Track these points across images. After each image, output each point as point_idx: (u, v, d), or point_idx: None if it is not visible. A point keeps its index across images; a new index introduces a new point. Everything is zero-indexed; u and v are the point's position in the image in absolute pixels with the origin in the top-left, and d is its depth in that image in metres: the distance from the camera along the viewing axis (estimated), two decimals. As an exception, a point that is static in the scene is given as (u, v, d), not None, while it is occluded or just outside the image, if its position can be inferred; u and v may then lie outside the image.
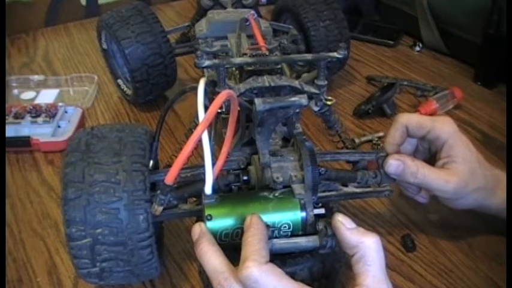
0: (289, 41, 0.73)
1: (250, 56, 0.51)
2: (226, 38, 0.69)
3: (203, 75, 0.58)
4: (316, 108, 0.52)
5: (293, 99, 0.46)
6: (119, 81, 0.80)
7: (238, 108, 0.45)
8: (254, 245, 0.37)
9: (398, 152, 0.51)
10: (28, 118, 0.73)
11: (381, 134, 0.72)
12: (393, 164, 0.49)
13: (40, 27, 1.06)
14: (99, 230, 0.41)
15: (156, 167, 0.49)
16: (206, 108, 0.40)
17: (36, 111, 0.73)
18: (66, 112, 0.75)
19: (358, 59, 0.92)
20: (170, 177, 0.40)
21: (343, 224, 0.39)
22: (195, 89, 0.43)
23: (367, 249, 0.37)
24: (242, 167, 0.48)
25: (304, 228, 0.42)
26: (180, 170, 0.40)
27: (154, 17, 0.73)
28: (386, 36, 0.97)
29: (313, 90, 0.50)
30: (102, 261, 0.42)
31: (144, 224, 0.42)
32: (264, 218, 0.40)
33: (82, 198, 0.41)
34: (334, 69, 0.79)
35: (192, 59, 0.51)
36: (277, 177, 0.44)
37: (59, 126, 0.73)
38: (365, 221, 0.59)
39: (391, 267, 0.53)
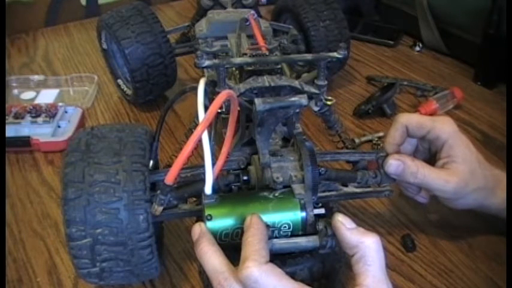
0: (289, 41, 0.73)
1: (250, 56, 0.51)
2: (226, 38, 0.69)
3: (203, 75, 0.58)
4: (316, 108, 0.52)
5: (293, 99, 0.46)
6: (119, 81, 0.80)
7: (238, 108, 0.45)
8: (254, 245, 0.37)
9: (398, 152, 0.51)
10: (28, 118, 0.73)
11: (381, 134, 0.72)
12: (393, 164, 0.49)
13: (40, 27, 1.06)
14: (99, 230, 0.41)
15: (156, 167, 0.49)
16: (206, 108, 0.40)
17: (36, 111, 0.74)
18: (66, 112, 0.75)
19: (358, 59, 0.92)
20: (170, 177, 0.40)
21: (343, 224, 0.39)
22: (195, 89, 0.43)
23: (367, 249, 0.37)
24: (242, 167, 0.48)
25: (304, 228, 0.42)
26: (180, 170, 0.40)
27: (154, 17, 0.73)
28: (386, 36, 0.97)
29: (313, 90, 0.50)
30: (102, 261, 0.42)
31: (144, 224, 0.42)
32: (264, 218, 0.40)
33: (82, 198, 0.41)
34: (334, 69, 0.79)
35: (192, 59, 0.51)
36: (277, 177, 0.44)
37: (59, 126, 0.73)
38: (365, 221, 0.59)
39: (391, 267, 0.53)
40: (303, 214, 0.42)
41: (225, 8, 0.77)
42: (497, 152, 0.67)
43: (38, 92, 0.82)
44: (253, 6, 0.78)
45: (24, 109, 0.74)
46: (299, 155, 0.46)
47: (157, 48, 0.71)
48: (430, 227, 0.58)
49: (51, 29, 1.07)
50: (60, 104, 0.76)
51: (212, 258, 0.38)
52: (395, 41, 0.96)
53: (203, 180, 0.41)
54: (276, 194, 0.43)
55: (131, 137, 0.45)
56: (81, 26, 1.08)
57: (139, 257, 0.43)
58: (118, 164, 0.43)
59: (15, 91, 0.83)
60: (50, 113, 0.74)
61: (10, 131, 0.71)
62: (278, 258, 0.41)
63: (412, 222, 0.58)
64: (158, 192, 0.43)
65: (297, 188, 0.43)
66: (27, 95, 0.81)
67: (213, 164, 0.41)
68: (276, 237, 0.42)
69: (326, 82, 0.51)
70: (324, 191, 0.48)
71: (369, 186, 0.51)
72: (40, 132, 0.72)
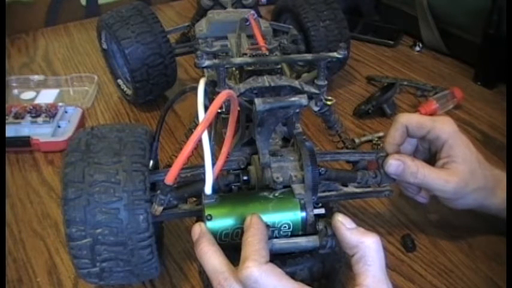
0: (289, 41, 0.73)
1: (250, 56, 0.51)
2: (226, 38, 0.69)
3: (203, 75, 0.58)
4: (316, 108, 0.52)
5: (293, 99, 0.46)
6: (119, 81, 0.80)
7: (238, 108, 0.45)
8: (254, 245, 0.37)
9: (398, 152, 0.51)
10: (28, 118, 0.73)
11: (381, 134, 0.72)
12: (393, 164, 0.49)
13: (40, 27, 1.06)
14: (99, 230, 0.41)
15: (156, 167, 0.49)
16: (206, 108, 0.40)
17: (36, 111, 0.74)
18: (66, 112, 0.75)
19: (358, 59, 0.92)
20: (170, 177, 0.40)
21: (343, 224, 0.39)
22: (195, 89, 0.43)
23: (367, 249, 0.37)
24: (242, 167, 0.48)
25: (304, 228, 0.42)
26: (180, 170, 0.40)
27: (154, 17, 0.73)
28: (386, 36, 0.97)
29: (313, 90, 0.50)
30: (102, 261, 0.42)
31: (144, 224, 0.42)
32: (264, 218, 0.40)
33: (82, 198, 0.41)
34: (334, 69, 0.79)
35: (192, 59, 0.51)
36: (277, 177, 0.44)
37: (59, 126, 0.73)
38: (365, 221, 0.59)
39: (391, 267, 0.53)
40: (303, 214, 0.42)
41: (225, 8, 0.77)
42: (497, 152, 0.67)
43: (38, 92, 0.82)
44: (253, 6, 0.78)
45: (24, 109, 0.74)
46: (299, 155, 0.46)
47: (157, 48, 0.71)
48: (430, 227, 0.58)
49: (51, 29, 1.07)
50: (60, 104, 0.76)
51: (212, 258, 0.38)
52: (395, 41, 0.96)
53: (203, 180, 0.41)
54: (276, 194, 0.43)
55: (131, 137, 0.45)
56: (81, 26, 1.08)
57: (139, 257, 0.43)
58: (118, 164, 0.43)
59: (15, 91, 0.83)
60: (50, 113, 0.74)
61: (10, 131, 0.71)
62: (278, 258, 0.41)
63: (412, 222, 0.58)
64: (158, 192, 0.43)
65: (297, 188, 0.43)
66: (27, 95, 0.81)
67: (213, 164, 0.41)
68: (276, 237, 0.42)
69: (326, 82, 0.51)
70: (324, 191, 0.48)
71: (369, 186, 0.51)
72: (40, 132, 0.72)
